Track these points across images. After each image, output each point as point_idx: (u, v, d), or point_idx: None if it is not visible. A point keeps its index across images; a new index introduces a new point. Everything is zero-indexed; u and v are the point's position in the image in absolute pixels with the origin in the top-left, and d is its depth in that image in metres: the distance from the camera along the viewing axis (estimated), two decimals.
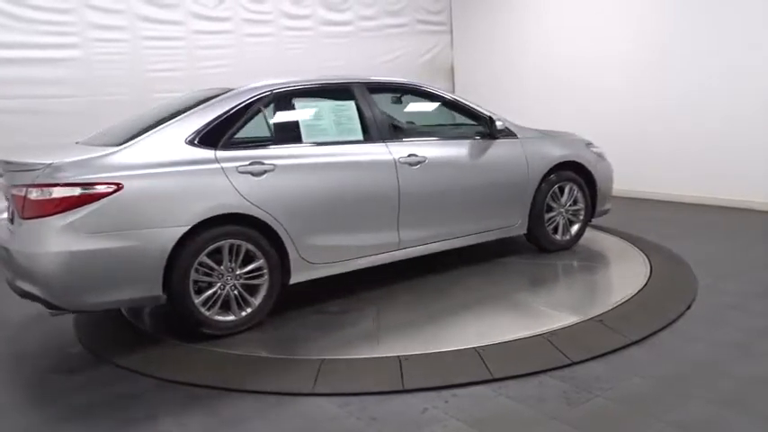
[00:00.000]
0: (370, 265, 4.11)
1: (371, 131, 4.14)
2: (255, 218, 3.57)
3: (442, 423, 2.59)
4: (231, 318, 3.57)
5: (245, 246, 3.55)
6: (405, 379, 2.96)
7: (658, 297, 3.91)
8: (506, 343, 3.31)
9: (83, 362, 3.47)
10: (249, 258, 3.60)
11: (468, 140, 4.56)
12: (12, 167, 3.41)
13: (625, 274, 4.50)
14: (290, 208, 3.68)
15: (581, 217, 5.03)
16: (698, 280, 4.19)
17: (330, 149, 3.97)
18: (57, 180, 3.17)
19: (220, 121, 3.65)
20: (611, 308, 3.72)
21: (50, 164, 3.21)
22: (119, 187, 3.22)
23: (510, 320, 3.73)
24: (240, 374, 3.12)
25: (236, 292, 3.57)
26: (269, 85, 3.95)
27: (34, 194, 3.19)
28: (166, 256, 3.29)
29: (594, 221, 5.24)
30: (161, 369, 3.24)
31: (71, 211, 3.14)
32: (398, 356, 3.17)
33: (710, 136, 6.54)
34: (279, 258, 3.68)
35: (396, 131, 4.36)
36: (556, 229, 4.92)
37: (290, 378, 3.06)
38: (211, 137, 3.59)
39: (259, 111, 3.84)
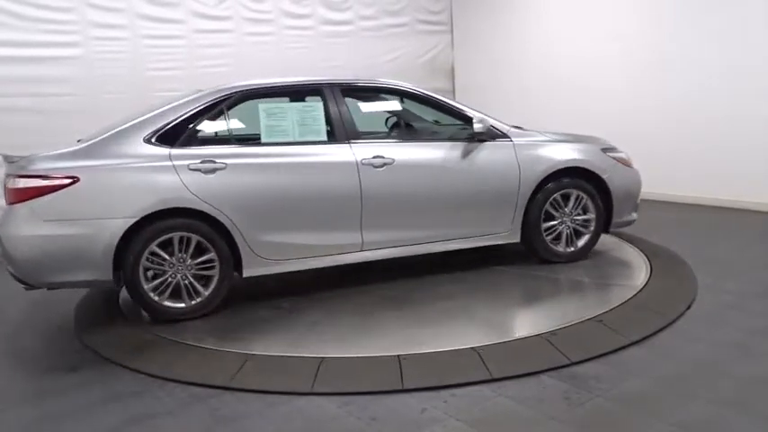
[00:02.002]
0: (329, 264, 4.15)
1: (337, 132, 4.15)
2: (205, 213, 3.77)
3: (442, 423, 2.59)
4: (181, 305, 3.82)
5: (196, 238, 3.78)
6: (404, 379, 2.96)
7: (658, 297, 3.91)
8: (505, 343, 3.31)
9: (83, 360, 3.47)
10: (204, 251, 3.82)
11: (448, 142, 4.40)
12: (6, 160, 3.77)
13: (624, 275, 4.49)
14: (239, 205, 3.83)
15: (591, 228, 4.69)
16: (698, 280, 4.18)
17: (288, 150, 4.05)
18: (24, 171, 3.59)
19: (181, 121, 3.90)
20: (610, 308, 3.72)
21: (25, 157, 3.64)
22: (75, 179, 3.58)
23: (465, 328, 3.61)
24: (240, 373, 3.11)
25: (186, 281, 3.80)
26: (236, 87, 4.11)
27: (9, 184, 3.63)
28: (115, 244, 3.60)
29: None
30: (161, 367, 3.24)
31: (34, 200, 3.54)
32: (398, 356, 3.17)
33: (710, 136, 6.54)
34: (230, 252, 3.87)
35: (366, 132, 4.35)
36: (559, 239, 4.63)
37: (290, 377, 3.06)
38: (169, 135, 3.85)
39: (222, 111, 4.02)
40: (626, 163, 4.80)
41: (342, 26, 8.42)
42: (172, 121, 3.88)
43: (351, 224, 4.09)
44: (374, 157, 4.12)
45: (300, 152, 4.07)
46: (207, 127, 4.06)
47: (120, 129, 3.85)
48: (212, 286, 3.86)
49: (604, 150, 4.74)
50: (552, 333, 3.38)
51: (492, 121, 4.44)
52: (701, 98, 6.58)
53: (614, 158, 4.73)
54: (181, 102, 4.00)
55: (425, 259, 4.54)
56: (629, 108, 7.24)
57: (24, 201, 3.55)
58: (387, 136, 4.69)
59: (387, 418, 2.66)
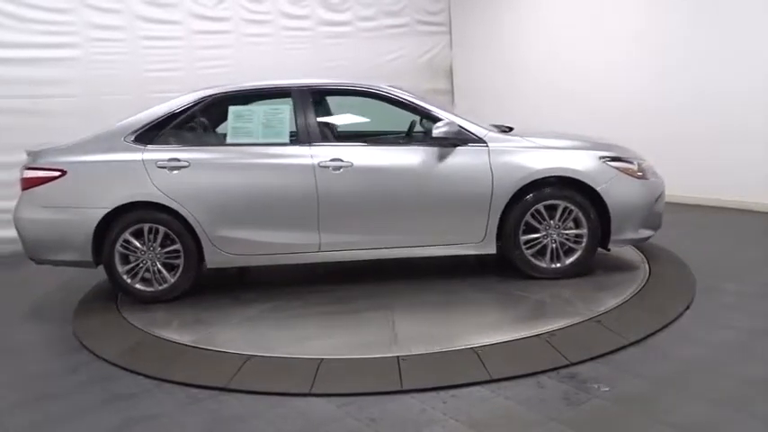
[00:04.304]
0: (287, 262, 4.30)
1: (300, 135, 4.26)
2: (170, 207, 4.11)
3: (441, 423, 2.59)
4: (150, 288, 4.24)
5: (163, 230, 4.16)
6: (403, 379, 2.96)
7: (657, 297, 3.91)
8: (505, 344, 3.31)
9: (82, 361, 3.47)
10: (173, 241, 4.19)
11: (414, 146, 4.27)
12: (27, 154, 4.34)
13: (623, 275, 4.47)
14: (199, 200, 4.14)
15: (583, 243, 4.28)
16: (697, 280, 4.18)
17: (249, 150, 4.24)
18: (30, 164, 4.23)
19: (157, 123, 4.28)
20: (609, 309, 3.72)
21: (37, 151, 4.26)
22: (63, 173, 4.14)
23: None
24: (238, 374, 3.11)
25: (155, 267, 4.20)
26: (210, 90, 4.42)
27: (20, 174, 4.25)
28: (92, 231, 4.10)
29: None
30: (160, 369, 3.24)
31: (34, 188, 4.17)
32: (397, 356, 3.17)
33: (710, 136, 6.53)
34: (194, 244, 4.18)
35: (329, 135, 4.41)
36: (543, 254, 4.28)
37: (289, 378, 3.06)
38: (145, 136, 4.25)
39: (194, 114, 4.36)
40: (633, 174, 4.26)
41: (340, 27, 8.42)
42: (149, 123, 4.26)
43: (308, 225, 4.17)
44: (332, 160, 4.14)
45: (261, 153, 4.23)
46: (178, 128, 4.37)
47: (107, 129, 4.27)
48: (178, 274, 4.21)
49: (604, 159, 4.23)
50: (551, 334, 3.38)
51: (462, 123, 4.20)
52: (701, 98, 6.57)
53: (617, 168, 4.22)
54: (161, 105, 4.33)
55: (412, 264, 4.53)
56: (628, 108, 7.23)
57: (29, 189, 4.18)
58: (351, 138, 4.66)
59: (386, 418, 2.66)
